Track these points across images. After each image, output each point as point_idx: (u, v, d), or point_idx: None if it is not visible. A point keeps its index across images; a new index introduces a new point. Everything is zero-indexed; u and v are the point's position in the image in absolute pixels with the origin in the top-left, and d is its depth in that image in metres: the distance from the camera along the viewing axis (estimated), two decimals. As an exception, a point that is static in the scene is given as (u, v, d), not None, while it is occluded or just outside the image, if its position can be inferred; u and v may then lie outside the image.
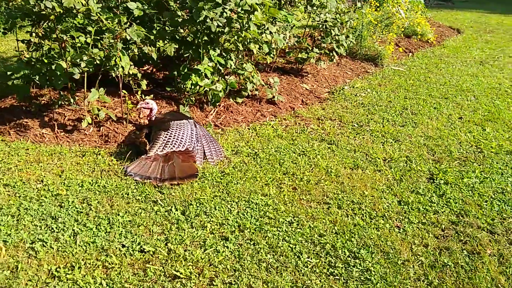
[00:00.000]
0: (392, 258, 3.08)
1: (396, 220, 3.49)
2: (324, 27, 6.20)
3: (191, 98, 5.15)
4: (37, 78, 4.53)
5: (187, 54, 4.90)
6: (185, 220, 3.36)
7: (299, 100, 5.96)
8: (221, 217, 3.41)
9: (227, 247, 3.11)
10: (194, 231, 3.25)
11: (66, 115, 4.74)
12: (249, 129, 4.97)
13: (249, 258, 3.03)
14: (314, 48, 6.35)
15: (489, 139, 4.91)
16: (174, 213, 3.45)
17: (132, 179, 3.82)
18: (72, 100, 4.62)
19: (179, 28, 4.92)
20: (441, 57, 8.48)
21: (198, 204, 3.54)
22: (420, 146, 4.71)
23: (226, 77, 5.32)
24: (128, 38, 4.18)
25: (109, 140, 4.46)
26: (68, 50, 4.47)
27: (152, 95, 4.95)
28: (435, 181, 4.05)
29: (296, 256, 3.05)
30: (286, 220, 3.43)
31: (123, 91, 4.67)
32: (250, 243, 3.17)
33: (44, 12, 4.05)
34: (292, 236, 3.25)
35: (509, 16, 14.10)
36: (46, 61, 4.43)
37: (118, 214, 3.40)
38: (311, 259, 3.04)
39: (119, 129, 4.63)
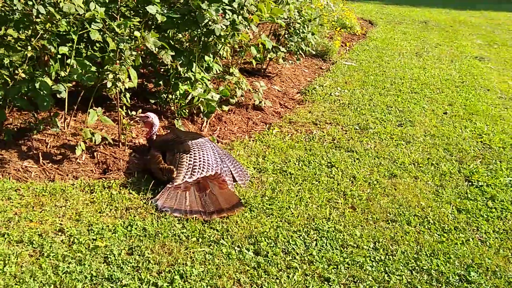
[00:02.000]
0: (501, 276, 2.98)
1: (472, 232, 3.43)
2: (291, 24, 5.92)
3: (184, 110, 4.57)
4: (14, 101, 3.63)
5: (180, 61, 4.31)
6: (267, 263, 2.95)
7: (277, 104, 5.67)
8: (303, 253, 3.09)
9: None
10: (287, 275, 2.88)
11: (47, 142, 3.93)
12: (253, 141, 4.57)
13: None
14: (280, 46, 6.05)
15: (487, 133, 5.09)
16: (249, 255, 3.00)
17: (170, 215, 3.23)
18: (58, 123, 3.80)
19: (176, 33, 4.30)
20: (378, 50, 8.72)
21: (267, 240, 3.14)
22: (432, 146, 4.72)
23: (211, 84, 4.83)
24: (151, 48, 3.50)
25: (109, 168, 3.77)
26: (51, 64, 3.64)
27: (137, 110, 4.28)
28: (474, 183, 4.05)
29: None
30: (369, 247, 3.18)
31: (119, 109, 3.96)
32: (354, 281, 2.89)
33: (35, 19, 3.22)
34: (389, 265, 3.05)
35: (404, 7, 15.10)
36: (25, 78, 3.55)
37: (186, 264, 2.85)
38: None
39: (116, 153, 3.95)
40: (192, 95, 4.44)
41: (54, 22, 3.39)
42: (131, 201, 3.45)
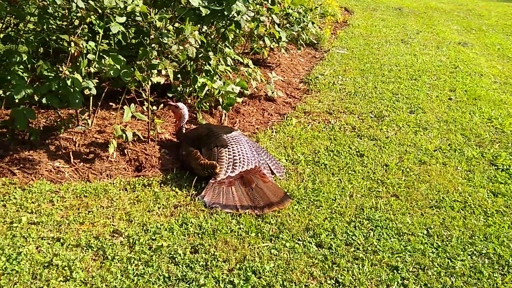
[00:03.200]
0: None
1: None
2: (293, 13, 5.94)
3: (204, 104, 4.53)
4: (44, 99, 3.50)
5: (201, 54, 4.26)
6: (333, 255, 3.03)
7: (283, 94, 5.68)
8: (364, 243, 3.15)
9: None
10: (356, 265, 2.93)
11: (75, 141, 3.80)
12: (276, 132, 4.59)
13: None
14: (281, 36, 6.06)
15: (495, 118, 5.30)
16: (313, 248, 3.06)
17: (221, 211, 3.22)
18: (89, 121, 3.69)
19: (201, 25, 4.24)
20: (363, 37, 8.86)
21: (325, 232, 3.21)
22: (449, 132, 4.86)
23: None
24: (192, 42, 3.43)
25: (142, 165, 3.71)
26: (80, 60, 3.53)
27: (159, 105, 4.21)
28: (499, 167, 4.23)
29: (490, 279, 2.91)
30: (423, 233, 3.29)
31: (146, 104, 3.88)
32: (421, 268, 3.00)
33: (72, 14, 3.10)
34: (449, 251, 3.16)
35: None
36: (51, 75, 3.43)
37: (255, 260, 2.89)
38: (501, 276, 2.94)
39: (147, 150, 3.88)
40: (208, 87, 4.36)
41: (93, 16, 3.25)
42: (176, 198, 3.39)
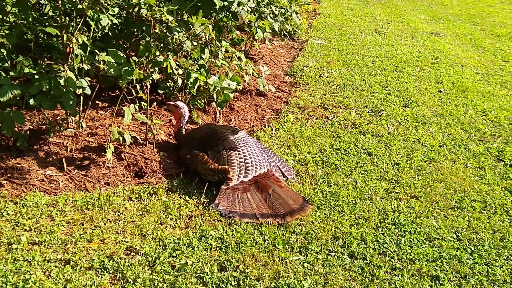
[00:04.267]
0: None
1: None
2: (281, 2, 5.73)
3: (199, 101, 4.25)
4: (31, 101, 3.13)
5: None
6: (369, 266, 2.88)
7: (273, 88, 5.46)
8: (398, 251, 3.01)
9: None
10: (403, 280, 2.80)
11: (66, 145, 3.45)
12: (276, 130, 4.38)
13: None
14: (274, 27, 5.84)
15: (489, 110, 5.29)
16: (347, 259, 2.91)
17: (240, 221, 3.00)
18: (83, 124, 3.35)
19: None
20: (337, 27, 8.76)
21: (354, 240, 3.05)
22: (448, 126, 4.81)
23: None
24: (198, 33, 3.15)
25: (143, 171, 3.42)
26: (75, 55, 3.19)
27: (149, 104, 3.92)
28: (506, 162, 4.20)
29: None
30: (453, 238, 3.19)
31: (144, 103, 3.57)
32: (462, 277, 2.89)
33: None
34: (484, 256, 3.06)
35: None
36: (33, 72, 3.07)
37: (289, 277, 2.71)
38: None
39: (146, 153, 3.57)
40: (200, 83, 4.08)
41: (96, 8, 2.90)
42: (188, 207, 3.13)
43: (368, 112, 4.94)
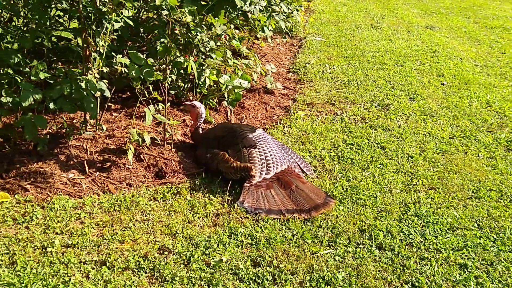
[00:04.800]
0: None
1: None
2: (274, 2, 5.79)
3: (211, 100, 4.30)
4: (51, 105, 3.17)
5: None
6: (398, 257, 2.99)
7: (281, 86, 5.53)
8: (424, 241, 3.11)
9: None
10: (433, 269, 2.89)
11: (86, 148, 3.48)
12: (287, 127, 4.45)
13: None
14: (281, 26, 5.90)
15: (493, 102, 5.41)
16: (375, 251, 2.97)
17: (266, 217, 3.07)
18: (103, 126, 3.39)
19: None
20: (332, 23, 8.85)
21: (381, 232, 3.15)
22: (455, 118, 4.91)
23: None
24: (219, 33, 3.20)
25: (163, 171, 3.47)
26: (93, 59, 3.22)
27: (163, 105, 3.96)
28: (516, 152, 4.29)
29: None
30: (475, 227, 3.30)
31: (161, 104, 3.61)
32: (489, 264, 2.99)
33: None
34: (509, 244, 3.15)
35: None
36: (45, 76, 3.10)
37: (323, 270, 2.74)
38: None
39: (164, 154, 3.62)
40: (209, 82, 4.13)
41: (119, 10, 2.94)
42: (213, 205, 3.18)
43: (375, 106, 5.02)
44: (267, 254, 2.78)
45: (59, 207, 3.01)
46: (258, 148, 3.48)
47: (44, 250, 2.67)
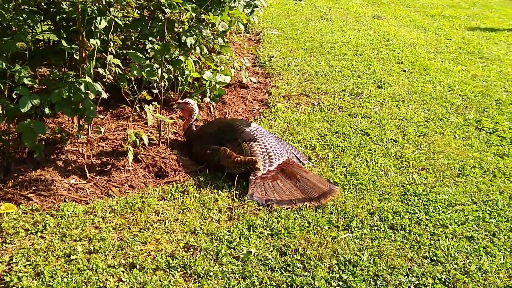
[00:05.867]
0: None
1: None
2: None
3: (196, 96, 4.36)
4: (47, 110, 3.13)
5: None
6: (412, 234, 3.18)
7: (255, 80, 5.65)
8: (430, 219, 3.32)
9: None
10: (446, 243, 3.11)
11: (82, 152, 3.45)
12: (273, 119, 4.59)
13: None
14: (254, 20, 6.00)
15: (453, 86, 5.76)
16: (389, 231, 3.15)
17: (279, 207, 3.22)
18: (102, 129, 3.37)
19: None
20: (282, 16, 9.04)
21: (389, 213, 3.34)
22: (425, 103, 5.23)
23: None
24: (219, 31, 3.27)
25: (163, 170, 3.50)
26: (89, 61, 3.22)
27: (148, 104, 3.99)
28: (485, 130, 4.66)
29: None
30: (469, 201, 3.57)
31: (155, 103, 3.64)
32: (492, 235, 3.25)
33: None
34: (504, 215, 3.42)
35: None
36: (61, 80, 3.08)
37: (347, 253, 2.88)
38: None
39: (161, 153, 3.65)
40: (190, 79, 4.18)
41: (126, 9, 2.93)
42: (223, 200, 3.26)
43: (349, 95, 5.22)
44: (290, 243, 2.87)
45: (70, 213, 2.96)
46: (258, 142, 3.56)
47: (68, 258, 2.63)
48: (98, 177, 3.31)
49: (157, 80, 3.44)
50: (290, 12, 9.25)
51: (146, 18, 3.73)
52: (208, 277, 2.57)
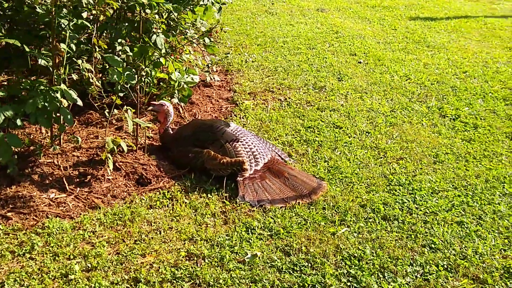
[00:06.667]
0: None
1: (498, 156, 4.17)
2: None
3: (166, 98, 4.28)
4: (19, 121, 2.97)
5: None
6: (405, 224, 3.26)
7: (205, 76, 5.60)
8: (419, 207, 3.43)
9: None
10: (439, 230, 3.20)
11: (58, 164, 3.30)
12: (243, 118, 4.57)
13: None
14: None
15: (409, 75, 5.92)
16: (383, 223, 3.21)
17: (272, 207, 3.24)
18: (79, 138, 3.24)
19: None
20: (229, 12, 8.99)
21: (380, 205, 3.40)
22: (387, 93, 5.37)
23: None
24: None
25: (144, 177, 3.42)
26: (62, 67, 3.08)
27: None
28: (448, 117, 4.85)
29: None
30: (450, 187, 3.69)
31: (130, 108, 3.54)
32: (479, 219, 3.38)
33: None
34: (484, 197, 3.58)
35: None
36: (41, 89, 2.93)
37: (350, 247, 2.93)
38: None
39: (140, 160, 3.56)
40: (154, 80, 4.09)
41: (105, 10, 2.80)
42: (215, 204, 3.22)
43: (312, 89, 5.26)
44: (292, 242, 2.86)
45: (57, 230, 2.81)
46: (241, 142, 3.51)
47: (65, 278, 2.50)
48: (78, 189, 3.16)
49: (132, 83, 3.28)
50: (234, 7, 9.19)
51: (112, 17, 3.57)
52: (217, 285, 2.51)
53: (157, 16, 3.07)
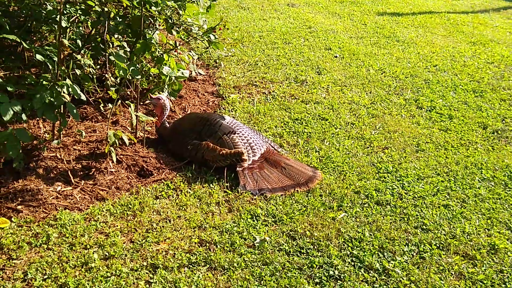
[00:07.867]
0: None
1: (474, 144, 4.47)
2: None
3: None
4: (24, 116, 3.06)
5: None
6: (398, 207, 3.47)
7: (202, 72, 5.75)
8: (408, 192, 3.67)
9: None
10: (428, 213, 3.44)
11: (61, 158, 3.39)
12: (231, 111, 4.74)
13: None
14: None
15: (383, 69, 6.18)
16: (378, 207, 3.43)
17: (272, 195, 3.42)
18: (83, 132, 3.34)
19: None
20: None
21: (372, 191, 3.60)
22: (365, 86, 5.59)
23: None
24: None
25: (145, 169, 3.55)
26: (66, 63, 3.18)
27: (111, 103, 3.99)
28: (425, 108, 5.14)
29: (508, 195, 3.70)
30: (434, 173, 3.93)
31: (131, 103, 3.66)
32: (464, 201, 3.64)
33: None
34: (465, 183, 3.83)
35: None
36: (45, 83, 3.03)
37: (352, 231, 3.16)
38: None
39: (140, 152, 3.69)
40: (162, 74, 4.22)
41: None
42: (217, 194, 3.38)
43: (294, 83, 5.44)
44: (296, 227, 3.04)
45: (70, 222, 2.90)
46: (238, 133, 3.66)
47: (86, 266, 2.60)
48: (83, 181, 3.25)
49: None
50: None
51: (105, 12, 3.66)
52: (232, 268, 2.66)
53: (157, 13, 3.16)
